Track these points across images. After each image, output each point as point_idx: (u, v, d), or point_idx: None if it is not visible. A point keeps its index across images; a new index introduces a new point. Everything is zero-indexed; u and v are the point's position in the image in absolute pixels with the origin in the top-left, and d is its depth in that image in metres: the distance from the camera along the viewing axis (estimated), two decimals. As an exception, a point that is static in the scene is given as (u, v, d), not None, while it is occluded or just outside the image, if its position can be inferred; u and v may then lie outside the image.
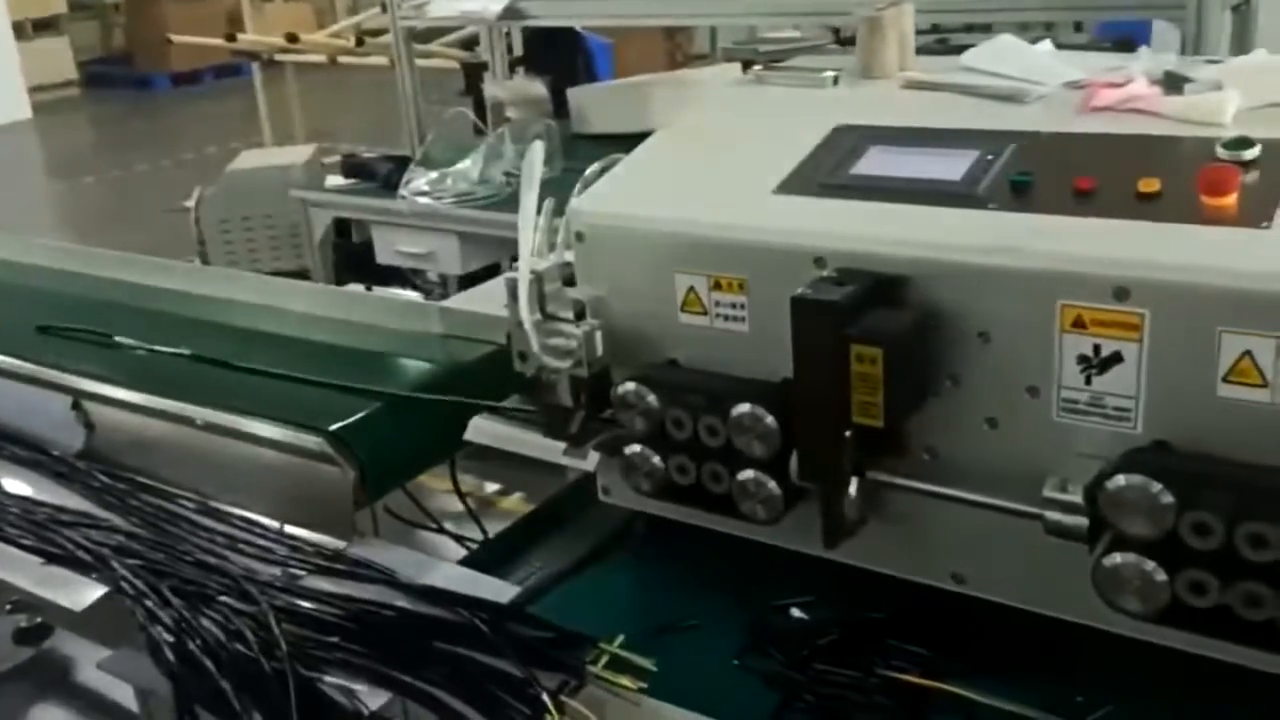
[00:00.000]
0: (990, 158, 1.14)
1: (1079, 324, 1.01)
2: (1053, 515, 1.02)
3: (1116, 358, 1.00)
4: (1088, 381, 1.02)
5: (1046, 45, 1.41)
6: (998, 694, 1.09)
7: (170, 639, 1.19)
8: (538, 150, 1.32)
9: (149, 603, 1.23)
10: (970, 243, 1.05)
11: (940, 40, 3.85)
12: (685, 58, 9.70)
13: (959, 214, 1.09)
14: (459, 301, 1.85)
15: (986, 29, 3.57)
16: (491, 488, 3.68)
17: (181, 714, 1.16)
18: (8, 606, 3.29)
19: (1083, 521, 1.00)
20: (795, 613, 1.26)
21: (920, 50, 1.43)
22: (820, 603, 1.26)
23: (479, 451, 1.53)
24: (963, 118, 1.23)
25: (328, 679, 1.14)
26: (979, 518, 1.10)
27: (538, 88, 4.16)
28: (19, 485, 1.58)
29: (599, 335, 1.24)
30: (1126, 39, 3.60)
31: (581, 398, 1.26)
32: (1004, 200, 1.09)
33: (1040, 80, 1.27)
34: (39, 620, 3.30)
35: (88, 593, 1.28)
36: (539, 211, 1.28)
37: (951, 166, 1.15)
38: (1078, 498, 1.00)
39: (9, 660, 3.28)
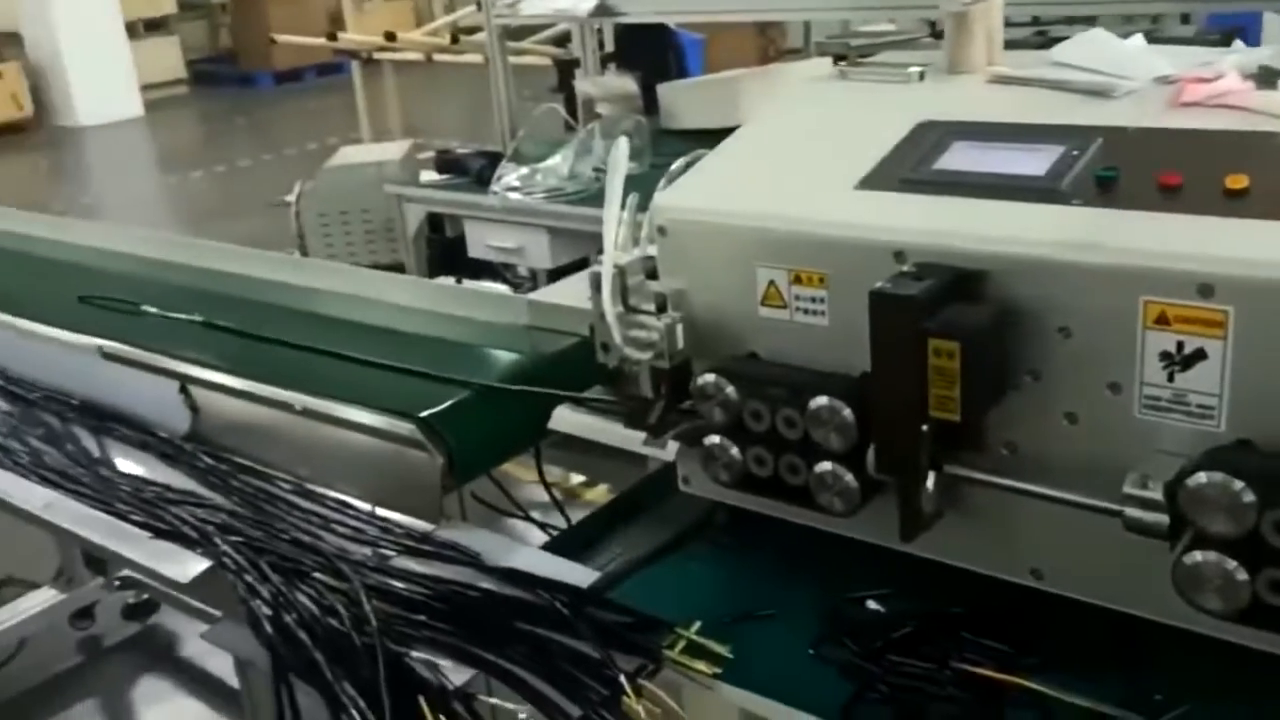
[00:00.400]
0: (1075, 153, 1.14)
1: (1162, 320, 1.00)
2: (1133, 512, 1.01)
3: (1200, 355, 0.99)
4: (1170, 378, 1.01)
5: (1138, 40, 1.39)
6: (1074, 690, 1.09)
7: (268, 612, 1.25)
8: (622, 146, 1.34)
9: (249, 577, 1.29)
10: (1052, 238, 1.05)
11: (1039, 34, 3.79)
12: (778, 53, 9.66)
13: (1042, 209, 1.09)
14: (546, 294, 1.89)
15: (1090, 22, 3.50)
16: (577, 479, 3.73)
17: (278, 683, 1.21)
18: (116, 583, 3.45)
19: (1163, 519, 0.99)
20: (871, 605, 1.27)
21: (1020, 44, 1.42)
22: (897, 596, 1.27)
23: (565, 443, 1.57)
24: (1049, 113, 1.23)
25: (414, 654, 1.19)
26: (1058, 513, 1.10)
27: (628, 84, 4.20)
28: (130, 465, 1.66)
29: (680, 328, 1.26)
30: (1235, 31, 3.50)
31: (662, 389, 1.29)
32: (1088, 196, 1.09)
33: (1130, 75, 1.26)
34: (145, 597, 3.45)
35: (193, 566, 1.34)
36: (623, 206, 1.31)
37: (1036, 162, 1.15)
38: (1158, 495, 0.99)
39: (118, 634, 3.44)
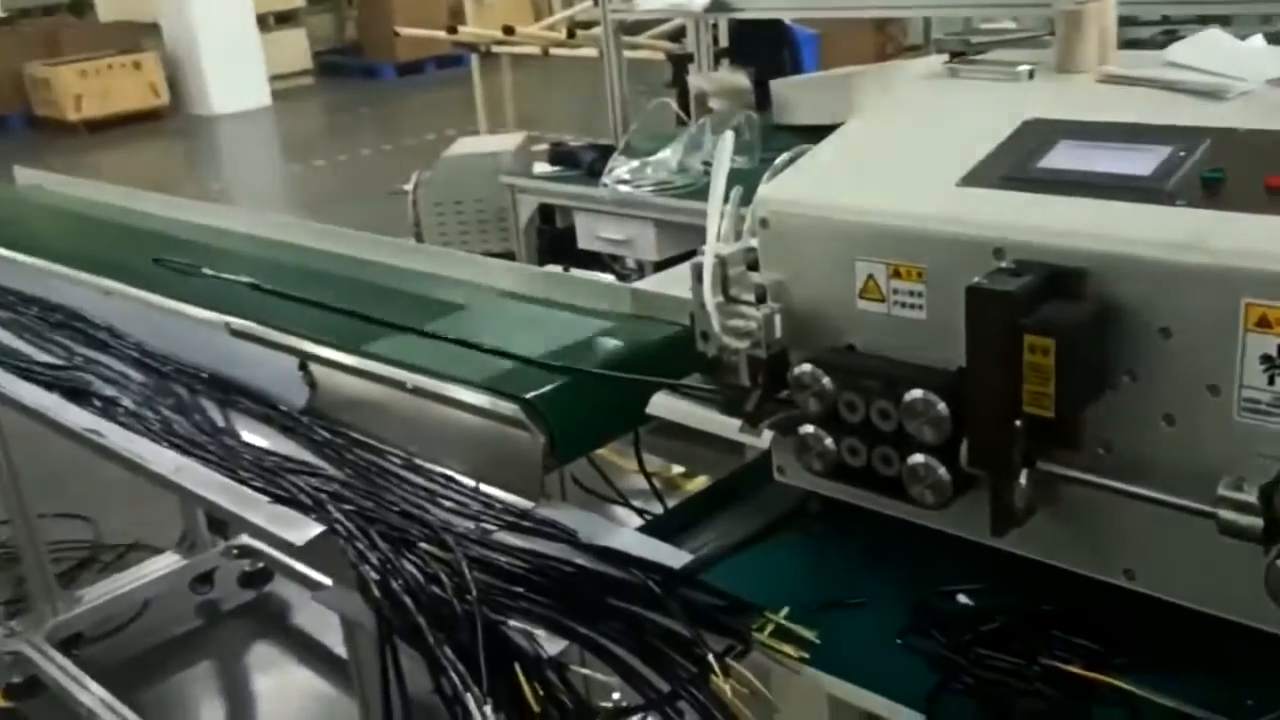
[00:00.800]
0: (1182, 154, 1.13)
1: (1263, 323, 0.99)
2: (1227, 514, 1.01)
3: (1302, 358, 0.99)
4: (1270, 381, 1.00)
5: (1258, 40, 1.37)
6: (1163, 691, 1.08)
7: (376, 577, 1.31)
8: (728, 140, 1.37)
9: (359, 544, 1.36)
10: (1154, 238, 1.05)
11: (1167, 33, 3.69)
12: (897, 50, 9.55)
13: (1144, 209, 1.09)
14: (649, 284, 1.93)
15: (1225, 21, 3.40)
16: (677, 470, 3.77)
17: (383, 643, 1.28)
18: (234, 551, 3.61)
19: (1258, 522, 0.99)
20: (961, 598, 1.28)
21: (1146, 43, 1.41)
22: (988, 591, 1.27)
23: (666, 431, 1.60)
24: (1158, 113, 1.22)
25: (511, 623, 1.23)
26: (1152, 514, 1.10)
27: (740, 79, 4.21)
28: (252, 435, 1.75)
29: (778, 318, 1.29)
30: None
31: (759, 378, 1.31)
32: (1193, 197, 1.08)
33: (1244, 76, 1.24)
34: (261, 565, 3.60)
35: (307, 530, 1.41)
36: (726, 199, 1.34)
37: (1141, 162, 1.14)
38: (1253, 498, 0.99)
39: (234, 600, 3.61)
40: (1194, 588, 1.11)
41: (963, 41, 1.58)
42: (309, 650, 3.36)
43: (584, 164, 3.99)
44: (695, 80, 4.46)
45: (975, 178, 1.22)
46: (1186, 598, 1.12)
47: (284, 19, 13.73)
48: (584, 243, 3.97)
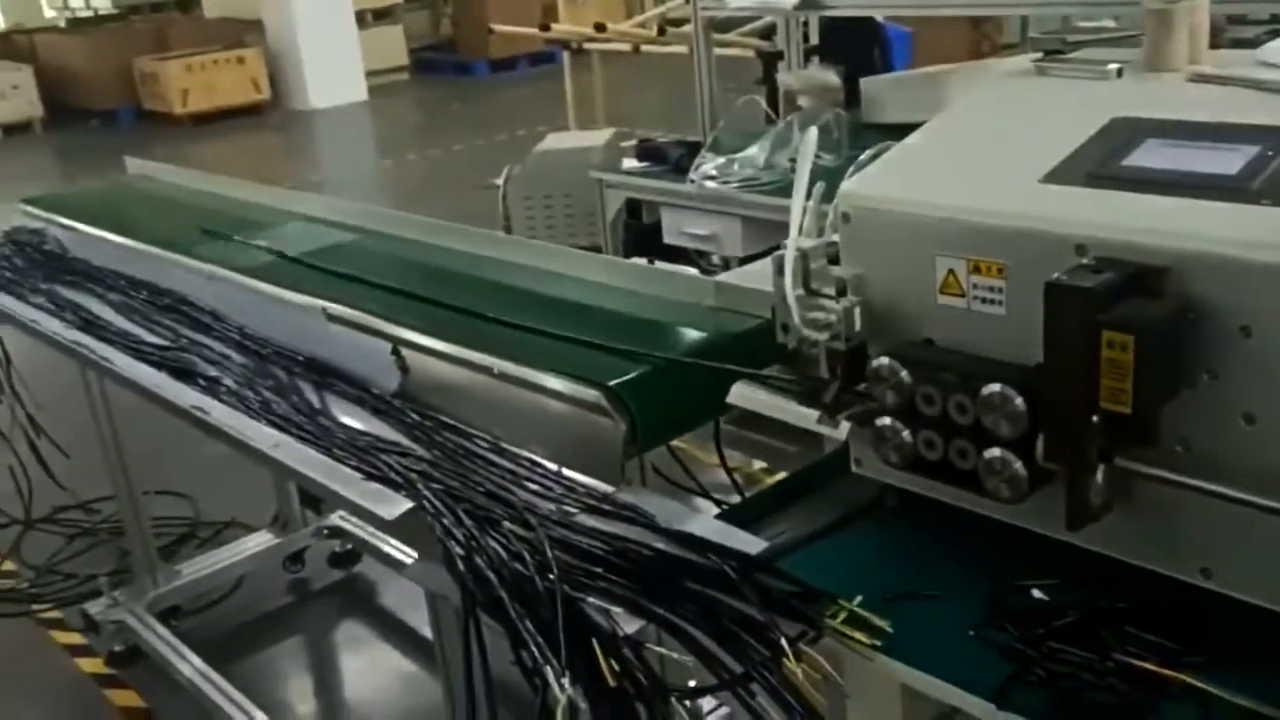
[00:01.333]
0: (1270, 153, 1.13)
1: (1347, 323, 0.99)
2: (1305, 514, 1.00)
3: (1386, 360, 0.98)
4: (1353, 382, 1.00)
5: (1356, 39, 1.35)
6: (1237, 690, 1.08)
7: (461, 553, 1.36)
8: (811, 136, 1.40)
9: (446, 521, 1.41)
10: (1236, 236, 1.05)
11: (1274, 33, 3.59)
12: (993, 48, 9.41)
13: (1229, 208, 1.09)
14: (732, 277, 1.96)
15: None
16: (759, 465, 3.78)
17: (466, 616, 1.33)
18: (324, 532, 3.72)
19: (1337, 523, 0.98)
20: (1036, 593, 1.29)
21: (1252, 43, 1.40)
22: (1063, 587, 1.28)
23: (748, 425, 1.63)
24: (1246, 113, 1.21)
25: (590, 601, 1.27)
26: (1232, 513, 1.10)
27: (830, 77, 4.20)
28: (346, 417, 1.82)
29: (858, 311, 1.31)
30: None
31: (837, 369, 1.34)
32: (1278, 196, 1.08)
33: (1339, 75, 1.23)
34: (350, 547, 3.71)
35: (397, 506, 1.47)
36: (809, 194, 1.36)
37: (1228, 161, 1.14)
38: (1333, 498, 0.98)
39: (324, 579, 3.72)
40: (1271, 588, 1.11)
41: (1059, 40, 1.57)
42: (394, 630, 3.45)
43: (671, 160, 4.01)
44: (784, 77, 4.46)
45: (1059, 175, 1.23)
46: (1263, 598, 1.12)
47: (381, 16, 14.00)
48: (669, 238, 3.99)
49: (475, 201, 5.73)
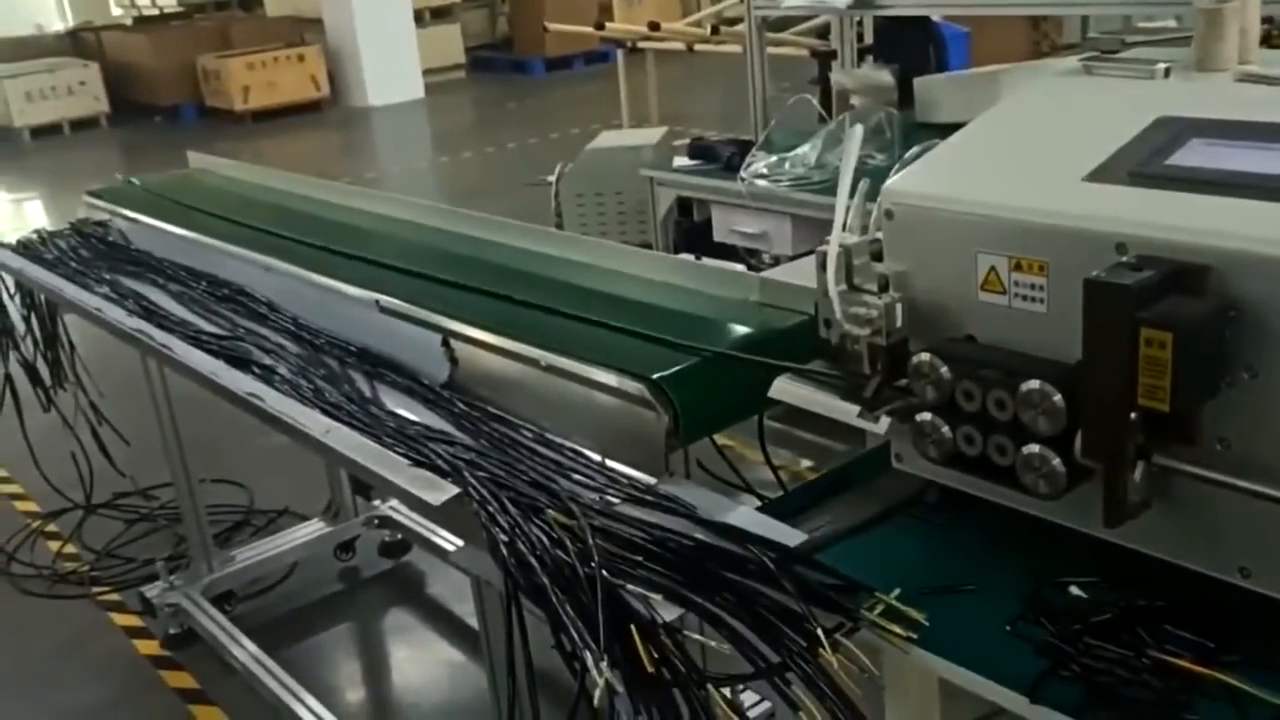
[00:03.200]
0: (1316, 153, 1.13)
1: (1388, 323, 0.99)
2: (1343, 514, 1.00)
3: None
4: (1394, 382, 0.99)
5: None
6: (1274, 690, 1.08)
7: (505, 539, 1.39)
8: (856, 134, 1.41)
9: (490, 508, 1.44)
10: (1276, 236, 1.05)
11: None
12: (1052, 48, 9.29)
13: (1270, 207, 1.09)
14: (778, 273, 1.97)
15: None
16: (806, 464, 3.79)
17: (509, 600, 1.36)
18: (375, 521, 3.78)
19: (1375, 523, 0.98)
20: (1074, 590, 1.29)
21: None
22: (1100, 585, 1.28)
23: (794, 421, 1.64)
24: (1295, 112, 1.21)
25: (630, 588, 1.30)
26: (1271, 513, 1.09)
27: (883, 76, 4.20)
28: (396, 406, 1.86)
29: (899, 307, 1.32)
30: None
31: (878, 364, 1.35)
32: (1323, 195, 1.08)
33: (1390, 75, 1.22)
34: (399, 537, 3.76)
35: (443, 493, 1.50)
36: (853, 192, 1.38)
37: (1271, 161, 1.14)
38: (1371, 498, 0.98)
39: (374, 568, 3.78)
40: (1311, 589, 1.11)
41: (1118, 40, 1.57)
42: (442, 620, 3.50)
43: (722, 158, 4.03)
44: (837, 77, 4.46)
45: (1102, 174, 1.23)
46: (1303, 598, 1.12)
47: (439, 14, 14.14)
48: (719, 236, 4.01)
49: (529, 198, 5.78)
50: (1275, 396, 1.08)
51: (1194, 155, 1.20)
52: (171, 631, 3.41)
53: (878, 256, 1.38)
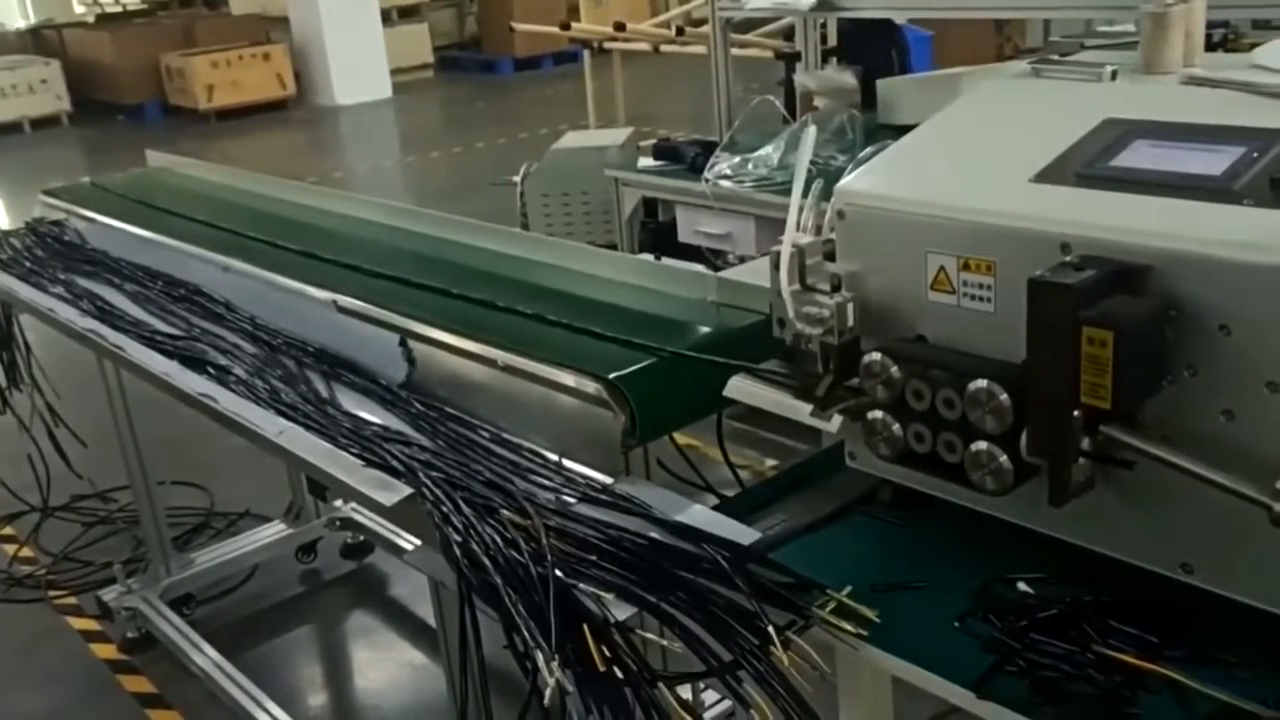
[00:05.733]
0: (1255, 155, 1.14)
1: (1323, 322, 1.00)
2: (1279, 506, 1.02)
3: (1362, 359, 0.99)
4: (1330, 380, 1.01)
5: (1349, 43, 1.36)
6: (1215, 684, 1.10)
7: (459, 539, 1.39)
8: (810, 135, 1.42)
9: (444, 508, 1.44)
10: (1217, 237, 1.07)
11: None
12: (1016, 51, 9.37)
13: (1211, 208, 1.10)
14: (735, 273, 1.98)
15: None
16: (770, 463, 3.80)
17: (462, 600, 1.35)
18: (336, 523, 3.76)
19: (1310, 518, 1.00)
20: (1022, 586, 1.30)
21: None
22: (1049, 582, 1.29)
23: (756, 422, 1.64)
24: (1236, 115, 1.23)
25: (583, 587, 1.30)
26: (1211, 508, 1.11)
27: (846, 78, 4.22)
28: (355, 407, 1.84)
29: (850, 307, 1.33)
30: None
31: (830, 364, 1.36)
32: (1261, 197, 1.09)
33: (1330, 79, 1.24)
34: (361, 539, 3.74)
35: (396, 493, 1.50)
36: (807, 192, 1.39)
37: (1213, 162, 1.16)
38: (1306, 494, 1.00)
39: (335, 570, 3.76)
40: (1250, 583, 1.12)
41: (1079, 44, 1.59)
42: (404, 621, 3.48)
43: (687, 159, 4.05)
44: (801, 78, 4.48)
45: (1048, 175, 1.25)
46: (1242, 593, 1.13)
47: (407, 14, 14.08)
48: (684, 236, 4.02)
49: (496, 198, 5.76)
50: (1214, 394, 1.09)
51: (1138, 157, 1.22)
52: (129, 635, 3.38)
53: (831, 256, 1.39)
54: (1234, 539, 1.11)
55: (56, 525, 4.07)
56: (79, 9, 15.07)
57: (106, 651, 3.40)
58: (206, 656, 3.13)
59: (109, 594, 3.43)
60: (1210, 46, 1.44)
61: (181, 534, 3.89)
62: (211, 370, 2.01)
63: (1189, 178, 1.15)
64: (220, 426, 1.90)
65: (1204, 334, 1.08)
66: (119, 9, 14.74)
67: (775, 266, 1.37)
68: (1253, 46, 1.37)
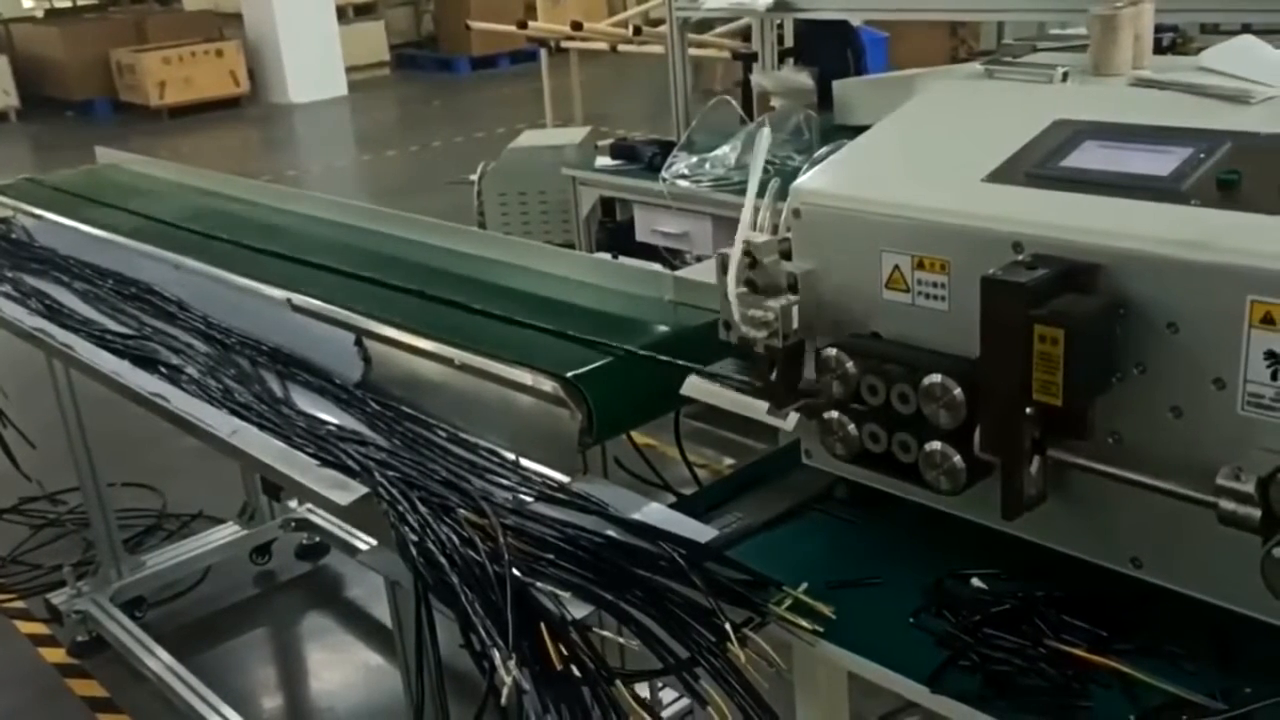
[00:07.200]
0: (1202, 156, 1.16)
1: (1268, 320, 1.02)
2: (1226, 504, 1.04)
3: (1304, 355, 1.01)
4: (1274, 377, 1.03)
5: (1291, 47, 1.39)
6: (1163, 676, 1.12)
7: (415, 539, 1.38)
8: (764, 135, 1.43)
9: (400, 507, 1.43)
10: (1165, 236, 1.08)
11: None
12: (970, 54, 9.47)
13: (1159, 208, 1.12)
14: (692, 272, 1.99)
15: (1285, 31, 3.36)
16: (729, 462, 3.82)
17: (418, 600, 1.35)
18: (292, 524, 3.72)
19: (1255, 512, 1.02)
20: (975, 582, 1.32)
21: None
22: (1002, 577, 1.31)
23: (715, 422, 1.63)
24: (1183, 116, 1.25)
25: (540, 585, 1.30)
26: (1159, 504, 1.13)
27: (803, 79, 4.25)
28: (310, 406, 1.83)
29: (795, 310, 1.33)
30: None
31: (775, 367, 1.36)
32: (1207, 197, 1.11)
33: (1273, 83, 1.26)
34: (317, 540, 3.71)
35: (351, 492, 1.49)
36: (762, 191, 1.39)
37: (1161, 163, 1.17)
38: (1251, 488, 1.02)
39: (290, 571, 3.72)
40: (1198, 578, 1.14)
41: (1030, 47, 1.61)
42: (360, 622, 3.46)
43: (644, 159, 4.05)
44: (758, 78, 4.50)
45: (1000, 175, 1.26)
46: (1191, 587, 1.15)
47: (363, 11, 13.98)
48: (642, 236, 4.03)
49: (453, 197, 5.74)
50: (1162, 391, 1.11)
51: (1087, 157, 1.23)
52: (79, 639, 3.33)
53: (788, 255, 1.40)
54: (1181, 534, 1.13)
55: (4, 528, 4.00)
56: (27, 4, 14.81)
57: (56, 656, 3.35)
58: (158, 659, 3.09)
59: (58, 597, 3.37)
60: (1159, 50, 1.47)
61: (133, 536, 3.84)
62: (163, 370, 1.99)
63: (1137, 178, 1.17)
64: (173, 427, 1.88)
65: (1153, 332, 1.10)
66: (69, 4, 14.51)
67: (723, 270, 1.37)
68: (1200, 50, 1.39)
